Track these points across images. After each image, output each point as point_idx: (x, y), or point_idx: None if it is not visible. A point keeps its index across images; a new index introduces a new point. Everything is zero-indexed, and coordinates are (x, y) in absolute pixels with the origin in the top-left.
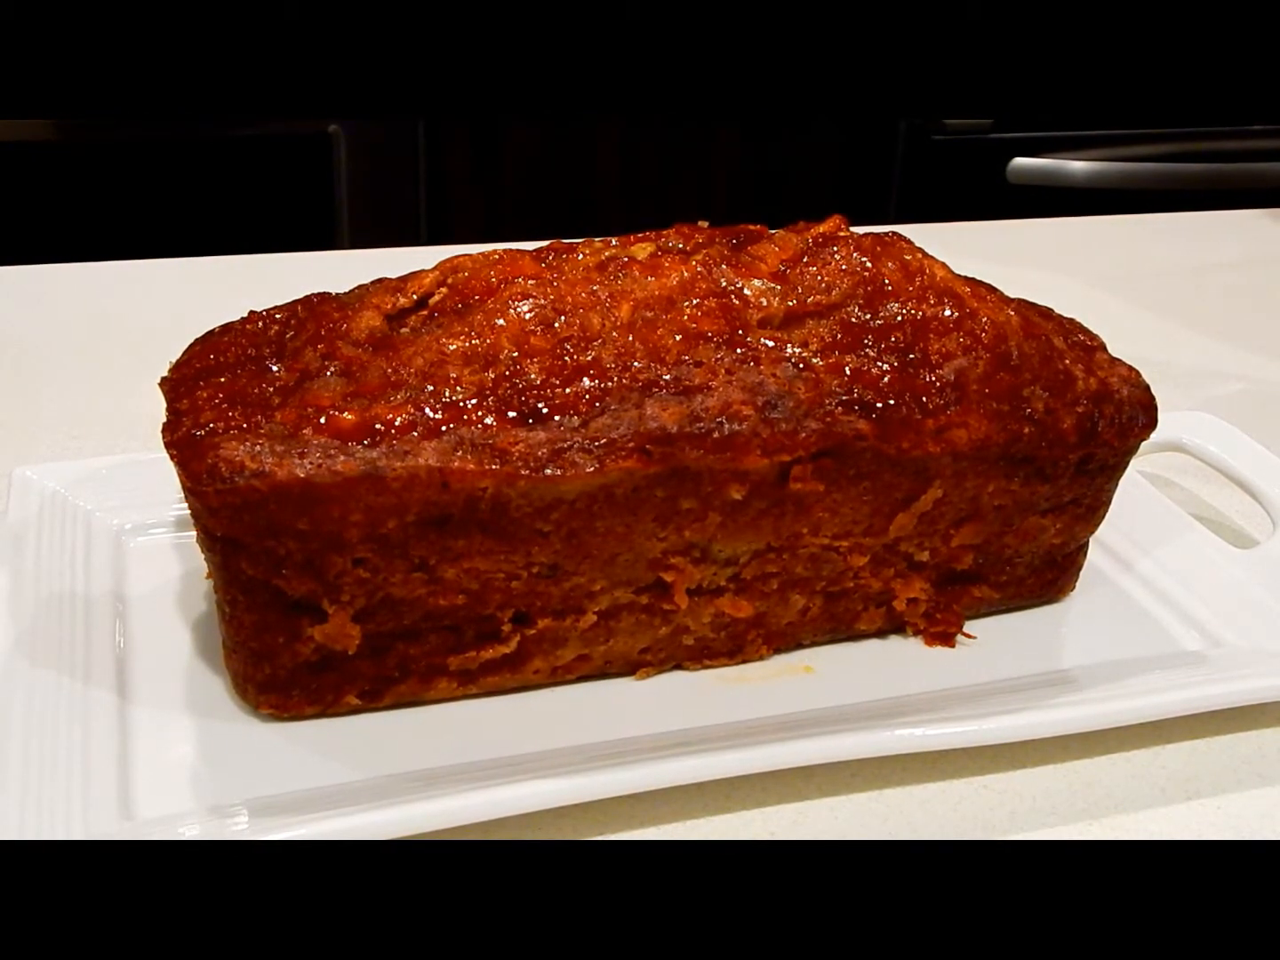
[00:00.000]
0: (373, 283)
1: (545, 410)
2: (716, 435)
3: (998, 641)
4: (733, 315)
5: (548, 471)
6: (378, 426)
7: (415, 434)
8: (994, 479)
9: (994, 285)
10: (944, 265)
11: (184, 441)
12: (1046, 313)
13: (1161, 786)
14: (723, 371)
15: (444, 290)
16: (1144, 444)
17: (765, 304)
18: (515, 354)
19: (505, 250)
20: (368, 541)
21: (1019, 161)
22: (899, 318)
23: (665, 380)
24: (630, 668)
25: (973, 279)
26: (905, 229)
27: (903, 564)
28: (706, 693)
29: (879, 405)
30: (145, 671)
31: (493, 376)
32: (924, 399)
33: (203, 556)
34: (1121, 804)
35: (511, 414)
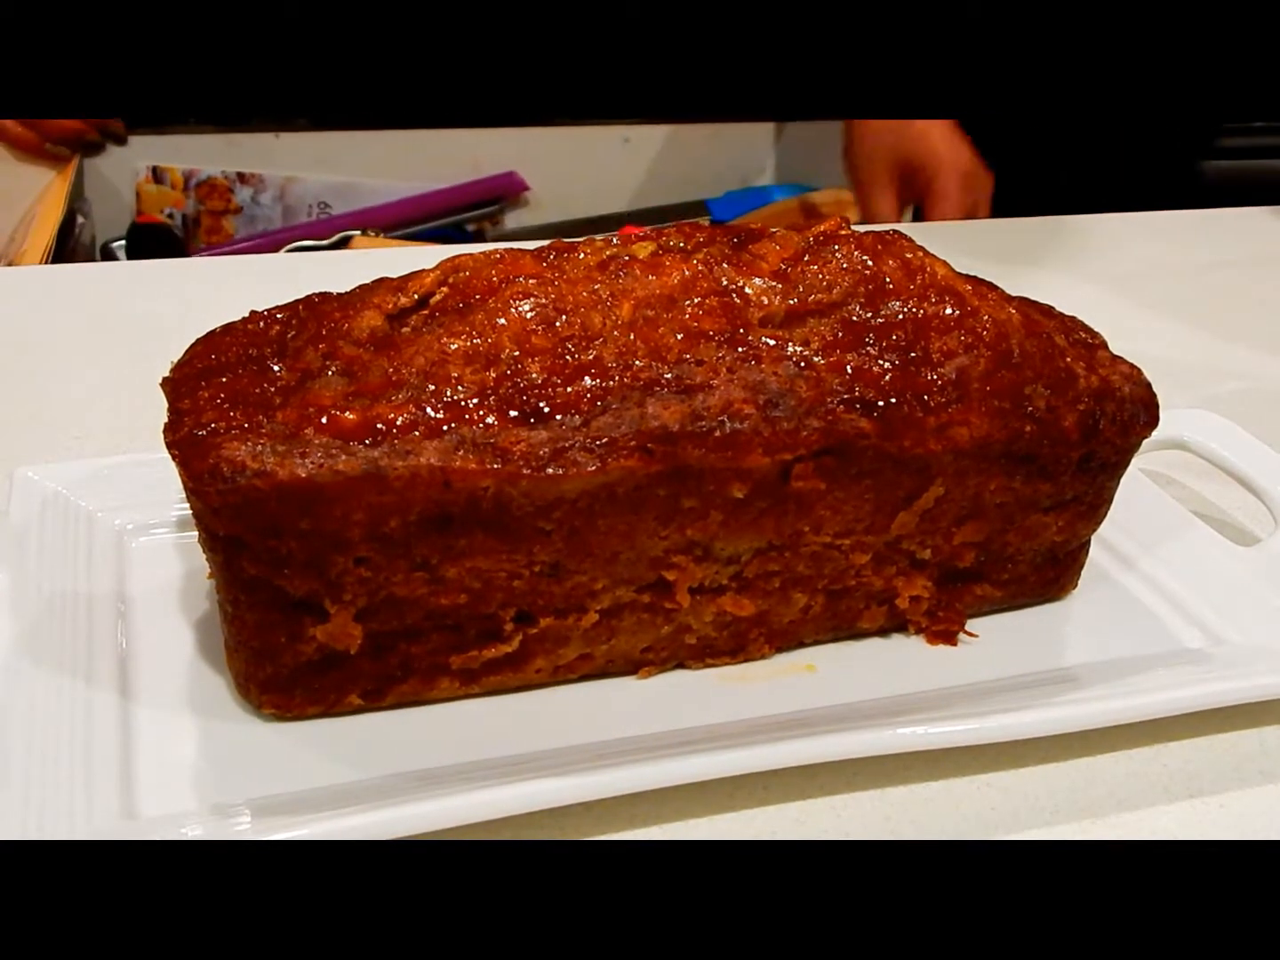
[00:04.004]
0: (374, 282)
1: (547, 409)
2: (718, 434)
3: (1000, 639)
4: (734, 314)
5: (549, 470)
6: (379, 426)
7: (417, 433)
8: (996, 477)
9: (995, 283)
10: (945, 263)
11: (186, 441)
12: (1048, 310)
13: (1164, 785)
14: (724, 370)
15: (445, 289)
16: (1146, 441)
17: (766, 302)
18: (517, 353)
19: (506, 249)
20: (369, 541)
21: None
22: (900, 316)
23: (667, 379)
24: (632, 667)
25: (974, 277)
26: (906, 227)
27: (905, 562)
28: (708, 691)
29: (880, 403)
30: (147, 671)
31: (494, 376)
32: (925, 397)
33: (205, 556)
34: (1124, 802)
35: (513, 413)
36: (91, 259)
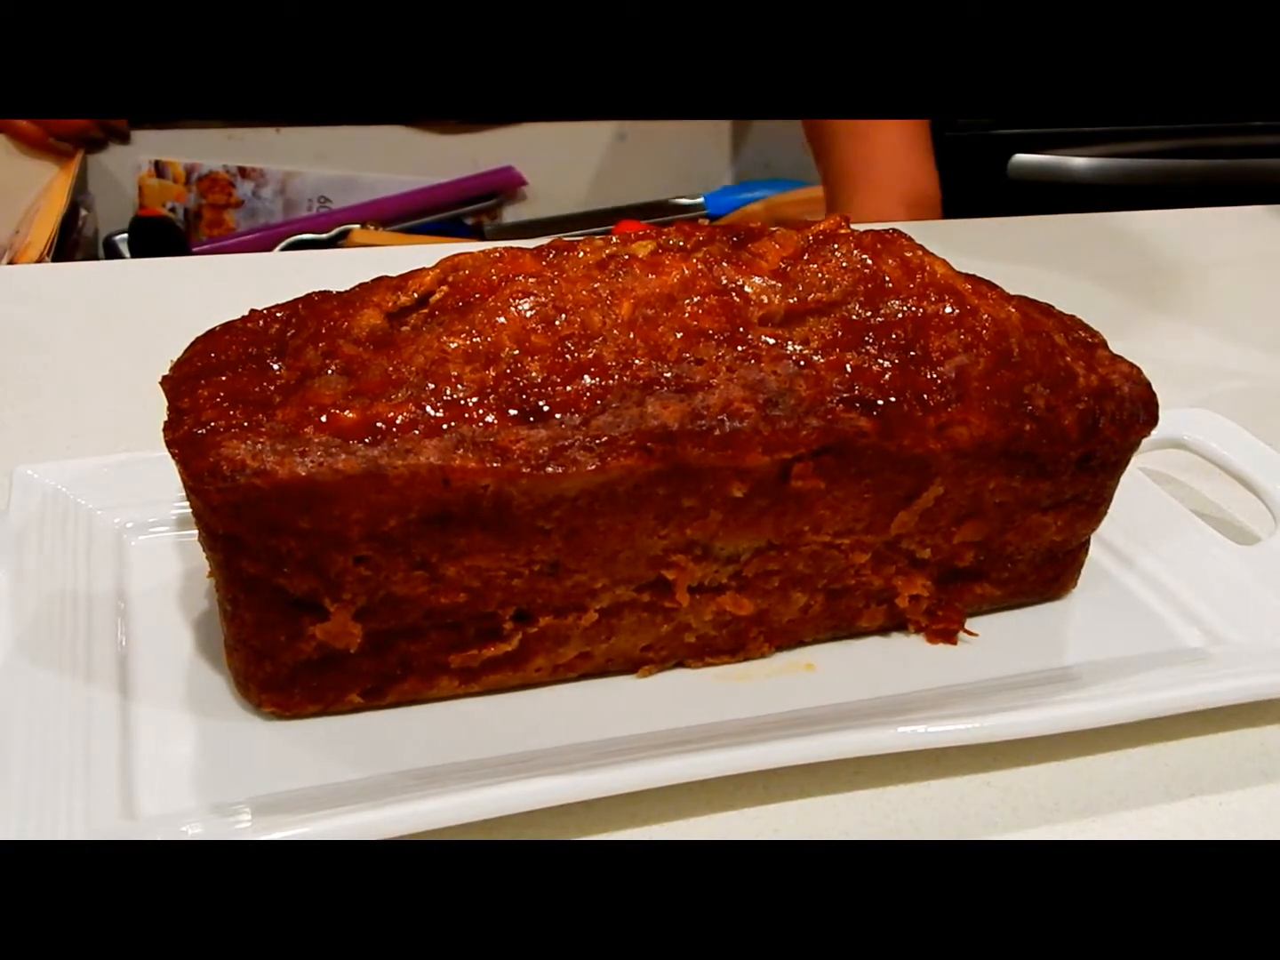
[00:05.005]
0: (373, 281)
1: (546, 408)
2: (718, 433)
3: (999, 638)
4: (733, 313)
5: (549, 469)
6: (379, 425)
7: (416, 432)
8: (995, 476)
9: (995, 282)
10: (945, 262)
11: (185, 440)
12: (1047, 310)
13: (1164, 784)
14: (724, 369)
15: (445, 288)
16: (1145, 441)
17: (766, 301)
18: (516, 352)
19: (506, 248)
20: (369, 539)
21: (1020, 158)
22: (900, 315)
23: (666, 378)
24: (632, 665)
25: (973, 276)
26: (906, 226)
27: (904, 561)
28: (708, 690)
29: (880, 402)
30: (147, 670)
31: (494, 374)
32: (925, 396)
33: (204, 555)
34: (1124, 801)
35: (513, 412)
36: (94, 252)
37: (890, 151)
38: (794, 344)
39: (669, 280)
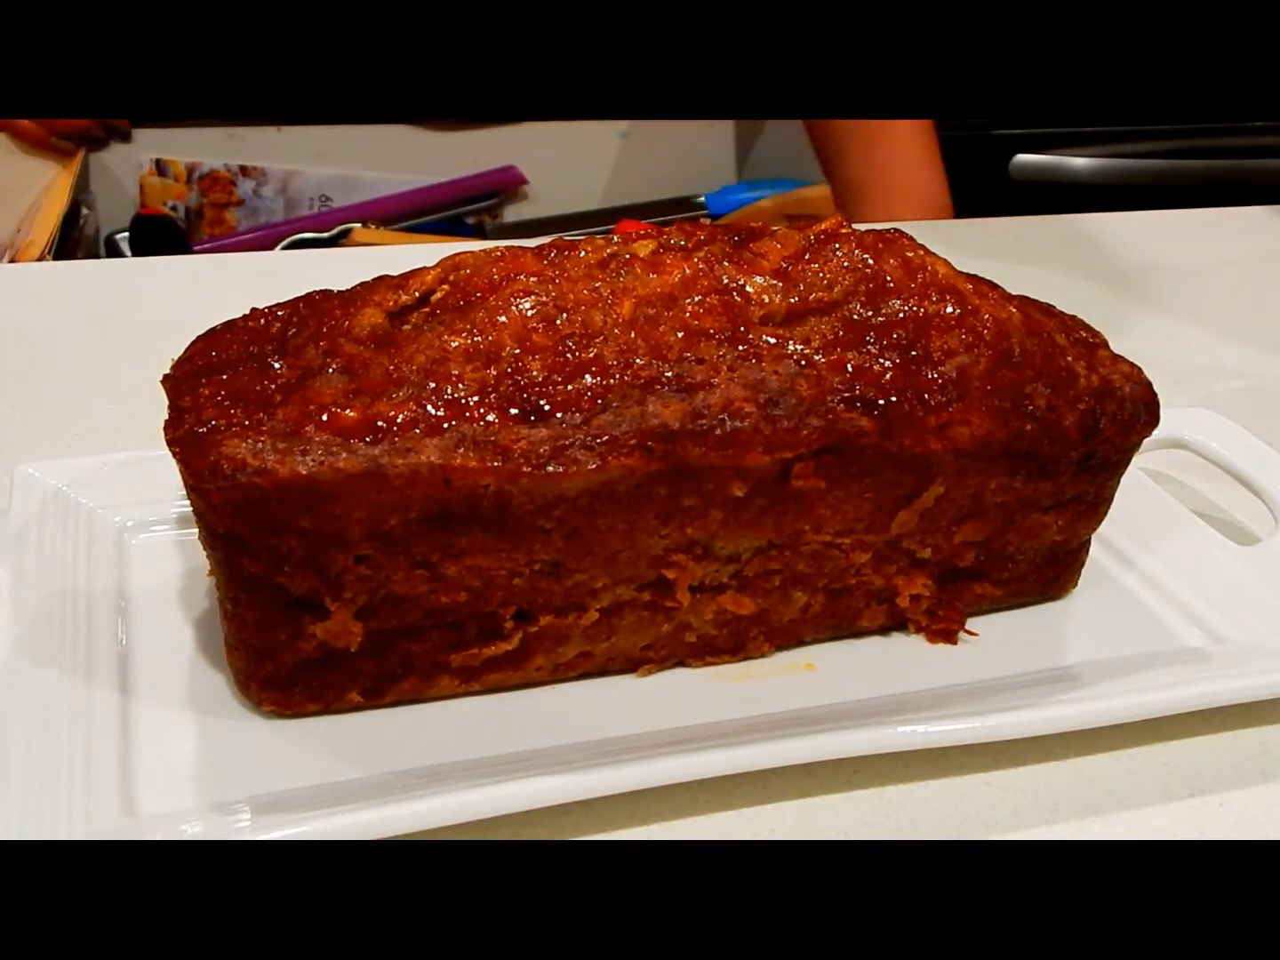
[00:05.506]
0: (375, 280)
1: (547, 407)
2: (718, 432)
3: (1000, 638)
4: (734, 312)
5: (550, 469)
6: (380, 424)
7: (417, 431)
8: (996, 476)
9: (996, 282)
10: (946, 262)
11: (186, 439)
12: (1048, 310)
13: (1164, 784)
14: (725, 368)
15: (446, 287)
16: (1146, 441)
17: (767, 301)
18: (517, 351)
19: (507, 247)
20: (370, 539)
21: (1021, 158)
22: (901, 315)
23: (667, 377)
24: (632, 665)
25: (975, 276)
26: (907, 226)
27: (905, 561)
28: (708, 690)
29: (881, 402)
30: (147, 669)
31: (494, 374)
32: (926, 396)
33: (205, 553)
34: (1124, 801)
35: (513, 411)
36: (95, 250)
37: (903, 161)
38: (795, 343)
39: (670, 280)
